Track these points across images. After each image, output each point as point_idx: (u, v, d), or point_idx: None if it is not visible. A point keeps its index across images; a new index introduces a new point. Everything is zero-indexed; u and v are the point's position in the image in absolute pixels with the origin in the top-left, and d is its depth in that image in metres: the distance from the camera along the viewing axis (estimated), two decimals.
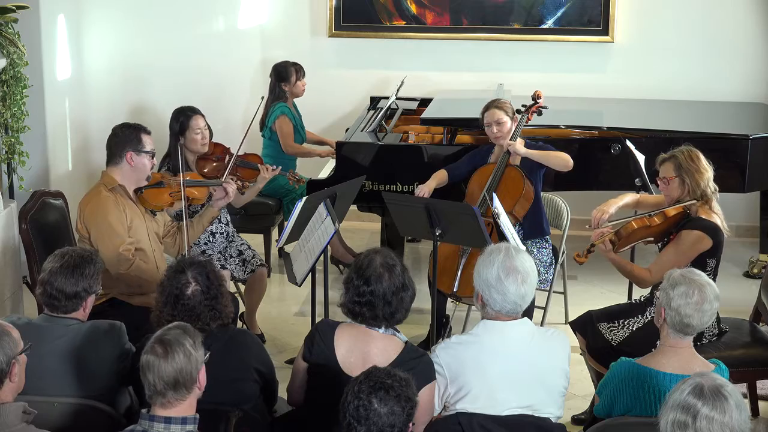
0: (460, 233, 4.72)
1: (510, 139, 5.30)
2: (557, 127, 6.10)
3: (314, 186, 5.73)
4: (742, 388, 4.61)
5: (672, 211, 4.45)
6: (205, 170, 5.48)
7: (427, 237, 4.89)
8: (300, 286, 4.55)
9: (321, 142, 7.16)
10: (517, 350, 3.48)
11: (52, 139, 6.71)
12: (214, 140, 5.60)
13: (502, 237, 4.58)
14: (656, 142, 5.83)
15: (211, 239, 5.43)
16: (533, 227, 5.36)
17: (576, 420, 4.73)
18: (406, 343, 3.50)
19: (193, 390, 3.00)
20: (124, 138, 4.71)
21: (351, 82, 7.61)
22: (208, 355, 3.09)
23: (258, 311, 5.63)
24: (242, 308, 5.55)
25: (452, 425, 3.46)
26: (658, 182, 4.57)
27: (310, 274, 4.46)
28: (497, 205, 4.68)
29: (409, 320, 3.62)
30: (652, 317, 4.10)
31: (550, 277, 5.39)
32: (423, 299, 4.87)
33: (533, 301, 4.44)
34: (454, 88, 7.35)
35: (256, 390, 3.59)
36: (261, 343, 3.83)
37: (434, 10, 7.53)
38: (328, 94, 7.55)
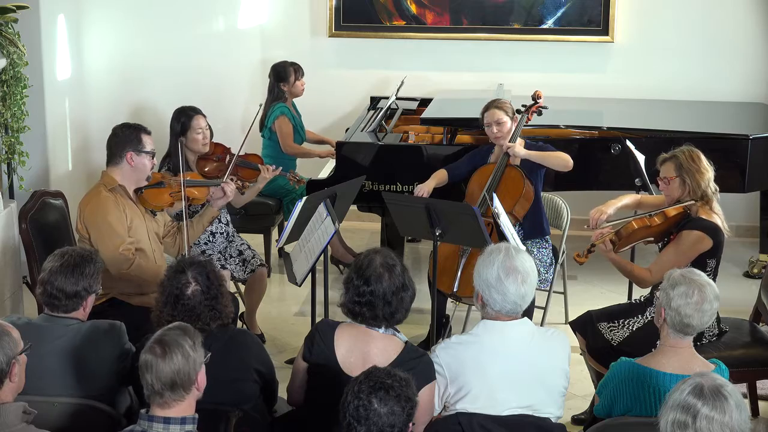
0: (460, 233, 4.72)
1: (510, 140, 5.30)
2: (557, 127, 6.10)
3: (314, 186, 5.73)
4: (742, 388, 4.61)
5: (672, 211, 4.45)
6: (206, 170, 5.48)
7: (427, 237, 4.89)
8: (300, 286, 4.55)
9: (321, 142, 7.16)
10: (517, 350, 3.48)
11: (52, 139, 6.71)
12: (214, 140, 5.61)
13: (502, 237, 4.58)
14: (656, 142, 5.83)
15: (211, 239, 5.43)
16: (533, 227, 5.36)
17: (576, 420, 4.73)
18: (406, 343, 3.50)
19: (191, 391, 3.00)
20: (125, 138, 4.71)
21: (351, 82, 7.61)
22: (208, 356, 3.09)
23: (258, 311, 5.63)
24: (242, 308, 5.55)
25: (452, 425, 3.46)
26: (659, 182, 4.57)
27: (310, 274, 4.46)
28: (497, 205, 4.68)
29: (409, 320, 3.62)
30: (652, 317, 4.10)
31: (550, 277, 5.39)
32: (423, 299, 4.87)
33: (533, 301, 4.44)
34: (454, 88, 7.34)
35: (256, 390, 3.59)
36: (261, 344, 3.83)
37: (434, 10, 7.53)
38: (328, 94, 7.55)
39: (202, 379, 3.04)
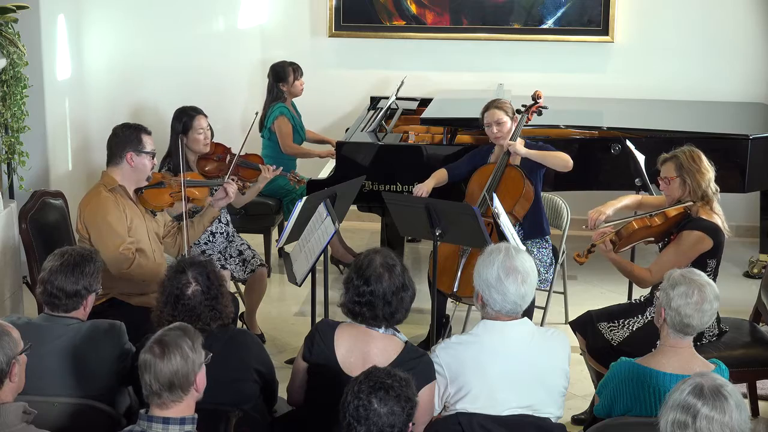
0: (460, 233, 4.72)
1: (510, 139, 5.30)
2: (557, 127, 6.10)
3: (314, 186, 5.73)
4: (742, 388, 4.61)
5: (673, 212, 4.45)
6: (206, 169, 5.48)
7: (427, 237, 4.89)
8: (300, 286, 4.55)
9: (322, 141, 7.16)
10: (517, 350, 3.48)
11: (52, 139, 6.71)
12: (214, 140, 5.61)
13: (502, 237, 4.58)
14: (656, 142, 5.83)
15: (211, 239, 5.43)
16: (533, 227, 5.36)
17: (576, 420, 4.73)
18: (406, 343, 3.50)
19: (190, 392, 2.99)
20: (125, 138, 4.70)
21: (351, 82, 7.61)
22: (209, 356, 3.09)
23: (258, 311, 5.63)
24: (242, 308, 5.55)
25: (452, 425, 3.46)
26: (659, 182, 4.57)
27: (310, 274, 4.46)
28: (497, 205, 4.68)
29: (409, 320, 3.62)
30: (652, 317, 4.10)
31: (550, 277, 5.39)
32: (423, 299, 4.87)
33: (533, 301, 4.43)
34: (454, 88, 7.35)
35: (256, 390, 3.59)
36: (261, 344, 3.83)
37: (434, 10, 7.53)
38: (328, 94, 7.55)
39: (201, 380, 3.03)
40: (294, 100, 6.96)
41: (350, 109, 7.58)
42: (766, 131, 6.15)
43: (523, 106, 5.57)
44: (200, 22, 7.69)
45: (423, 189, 5.36)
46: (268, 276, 5.85)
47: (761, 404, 4.78)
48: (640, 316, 4.45)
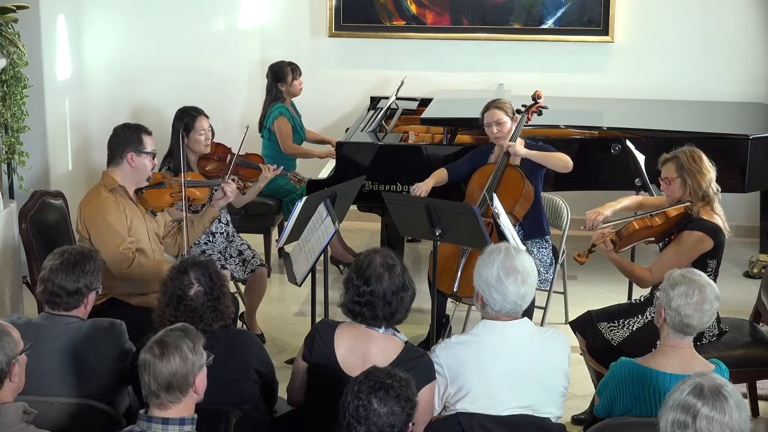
0: (460, 233, 4.72)
1: (510, 140, 5.30)
2: (557, 127, 6.10)
3: (314, 186, 5.73)
4: (742, 388, 4.61)
5: (673, 212, 4.44)
6: (207, 169, 5.48)
7: (427, 237, 4.89)
8: (300, 286, 4.55)
9: (322, 141, 7.16)
10: (517, 350, 3.48)
11: (52, 139, 6.71)
12: (214, 140, 5.60)
13: (502, 237, 4.58)
14: (656, 142, 5.83)
15: (211, 239, 5.43)
16: (533, 227, 5.36)
17: (576, 420, 4.73)
18: (406, 343, 3.50)
19: (188, 394, 2.99)
20: (125, 138, 4.70)
21: (351, 82, 7.61)
22: (211, 358, 3.08)
23: (258, 311, 5.63)
24: (242, 308, 5.55)
25: (452, 425, 3.46)
26: (660, 182, 4.57)
27: (310, 274, 4.46)
28: (497, 205, 4.68)
29: (409, 320, 3.62)
30: (652, 317, 4.10)
31: (550, 277, 5.39)
32: (423, 299, 4.87)
33: (533, 301, 4.43)
34: (454, 88, 7.35)
35: (256, 390, 3.59)
36: (261, 344, 3.83)
37: (434, 10, 7.53)
38: (328, 94, 7.55)
39: (200, 382, 3.02)
40: (294, 99, 6.96)
41: (350, 109, 7.58)
42: (766, 131, 6.15)
43: (523, 106, 5.57)
44: (200, 22, 7.69)
45: (422, 188, 5.35)
46: (268, 276, 5.85)
47: (761, 404, 4.78)
48: (640, 316, 4.45)
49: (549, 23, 7.44)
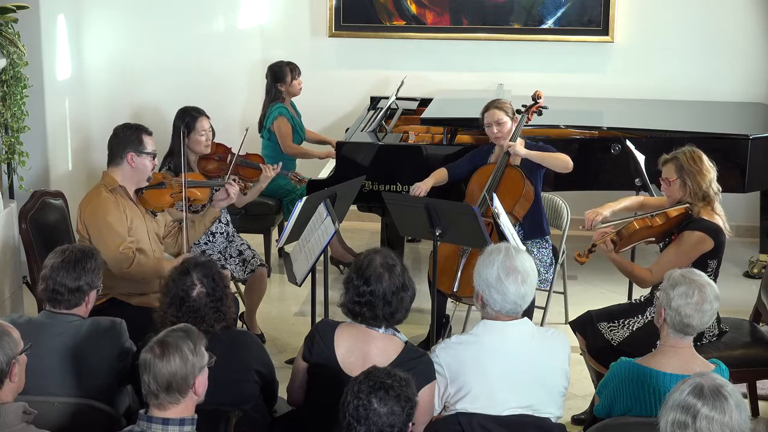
0: (460, 233, 4.72)
1: (510, 140, 5.30)
2: (557, 127, 6.10)
3: (314, 186, 5.73)
4: (742, 388, 4.61)
5: (674, 212, 4.44)
6: (207, 169, 5.48)
7: (427, 237, 4.89)
8: (300, 286, 4.55)
9: (322, 142, 7.16)
10: (517, 350, 3.48)
11: (52, 139, 6.71)
12: (215, 140, 5.61)
13: (502, 237, 4.58)
14: (656, 142, 5.83)
15: (211, 239, 5.43)
16: (533, 227, 5.36)
17: (576, 420, 4.73)
18: (406, 343, 3.50)
19: (188, 395, 2.98)
20: (125, 139, 4.70)
21: (351, 82, 7.61)
22: (212, 359, 3.08)
23: (258, 311, 5.63)
24: (242, 308, 5.55)
25: (452, 425, 3.46)
26: (660, 182, 4.57)
27: (310, 274, 4.46)
28: (497, 205, 4.68)
29: (409, 320, 3.62)
30: (652, 317, 4.10)
31: (550, 277, 5.39)
32: (423, 299, 4.87)
33: (533, 301, 4.44)
34: (454, 88, 7.35)
35: (256, 390, 3.59)
36: (261, 344, 3.83)
37: (434, 10, 7.53)
38: (328, 94, 7.56)
39: (200, 384, 3.01)
40: (293, 99, 6.96)
41: (350, 109, 7.58)
42: (766, 131, 6.15)
43: (523, 106, 5.57)
44: (200, 22, 7.69)
45: (422, 188, 5.35)
46: (268, 276, 5.85)
47: (761, 404, 4.78)
48: (640, 316, 4.45)
49: (549, 23, 7.45)
